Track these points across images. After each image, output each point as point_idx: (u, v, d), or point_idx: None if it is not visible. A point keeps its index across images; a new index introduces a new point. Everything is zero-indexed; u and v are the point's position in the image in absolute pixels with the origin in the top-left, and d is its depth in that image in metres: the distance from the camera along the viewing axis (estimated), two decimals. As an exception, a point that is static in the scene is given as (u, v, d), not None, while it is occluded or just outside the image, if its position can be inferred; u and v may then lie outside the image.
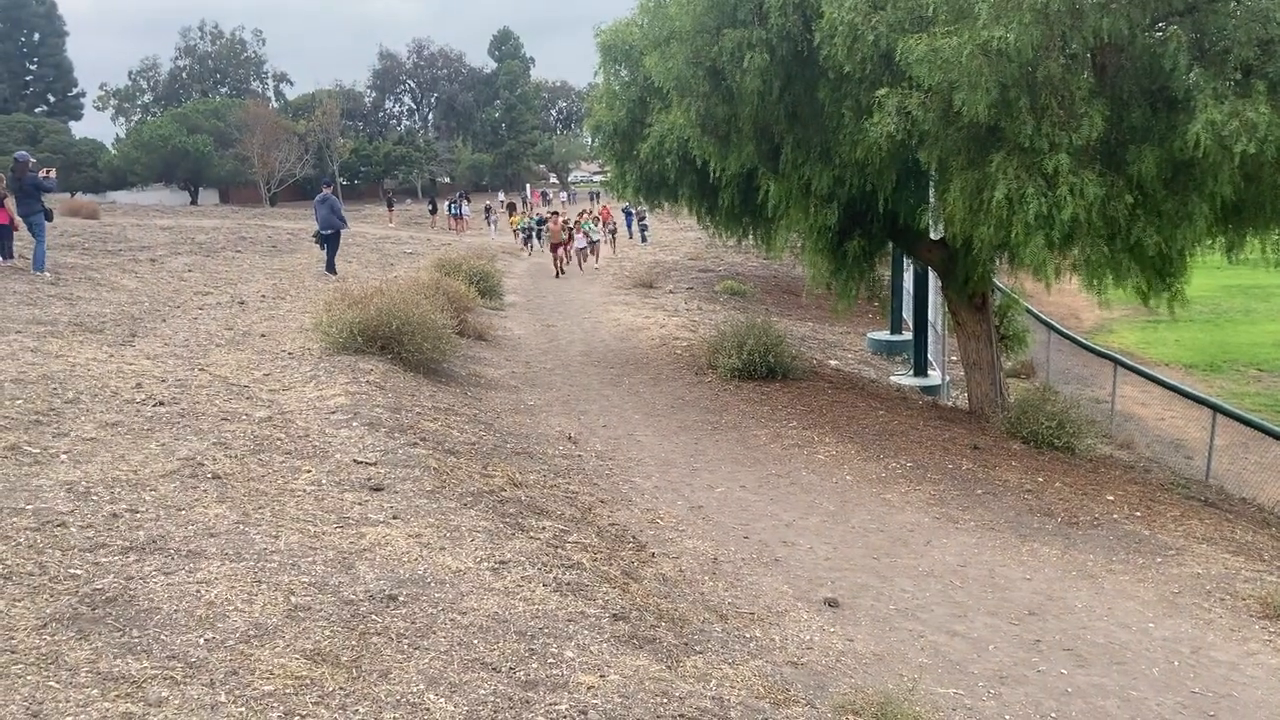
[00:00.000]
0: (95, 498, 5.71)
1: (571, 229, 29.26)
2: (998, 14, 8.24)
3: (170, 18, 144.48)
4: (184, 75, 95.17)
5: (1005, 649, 6.15)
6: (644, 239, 37.79)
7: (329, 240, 20.13)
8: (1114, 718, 5.34)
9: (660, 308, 20.72)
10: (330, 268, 20.10)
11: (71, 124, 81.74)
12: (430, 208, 55.43)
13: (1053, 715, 5.32)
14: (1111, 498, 9.76)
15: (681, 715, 4.16)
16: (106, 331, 11.22)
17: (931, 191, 11.00)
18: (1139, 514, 9.40)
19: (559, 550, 6.26)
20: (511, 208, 53.57)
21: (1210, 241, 9.78)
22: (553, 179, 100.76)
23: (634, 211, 37.29)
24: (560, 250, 27.64)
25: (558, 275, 26.79)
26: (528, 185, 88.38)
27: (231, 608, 4.47)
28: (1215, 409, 13.19)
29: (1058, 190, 8.51)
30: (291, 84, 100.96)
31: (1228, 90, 8.15)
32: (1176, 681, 5.86)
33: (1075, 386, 18.19)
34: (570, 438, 10.46)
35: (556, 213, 33.38)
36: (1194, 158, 8.29)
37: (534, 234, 34.37)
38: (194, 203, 73.21)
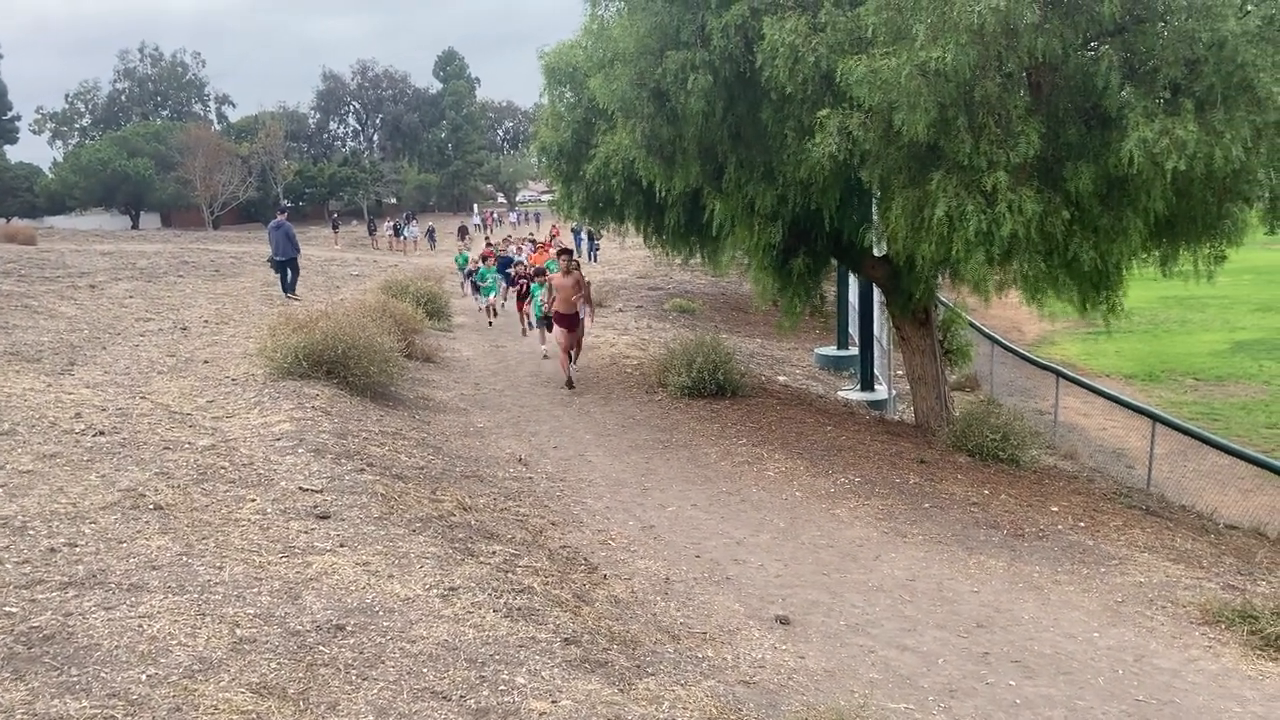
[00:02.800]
0: (32, 532, 5.58)
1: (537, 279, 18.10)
2: (934, 35, 8.38)
3: (108, 40, 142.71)
4: (123, 98, 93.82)
5: (954, 662, 6.21)
6: (594, 257, 37.87)
7: (287, 265, 20.18)
8: (1061, 727, 5.41)
9: (610, 326, 20.73)
10: (289, 290, 20.15)
11: (7, 148, 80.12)
12: (369, 228, 54.84)
13: (1001, 727, 5.38)
14: (1056, 509, 9.92)
15: (634, 739, 4.16)
16: (44, 360, 11.00)
17: (874, 209, 11.14)
18: (1083, 524, 9.55)
19: (509, 575, 6.22)
20: (462, 232, 50.78)
21: (1145, 255, 10.00)
22: (500, 199, 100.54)
23: (590, 232, 37.00)
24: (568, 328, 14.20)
25: (570, 384, 14.23)
26: (474, 205, 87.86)
27: (175, 642, 4.39)
28: (1154, 418, 13.45)
29: (996, 207, 8.66)
30: (234, 106, 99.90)
31: (1158, 108, 8.36)
32: (1121, 690, 5.95)
33: (1019, 398, 18.48)
34: (521, 460, 10.41)
35: (570, 251, 16.37)
36: (1128, 174, 8.49)
37: (475, 279, 23.41)
38: (135, 227, 72.02)
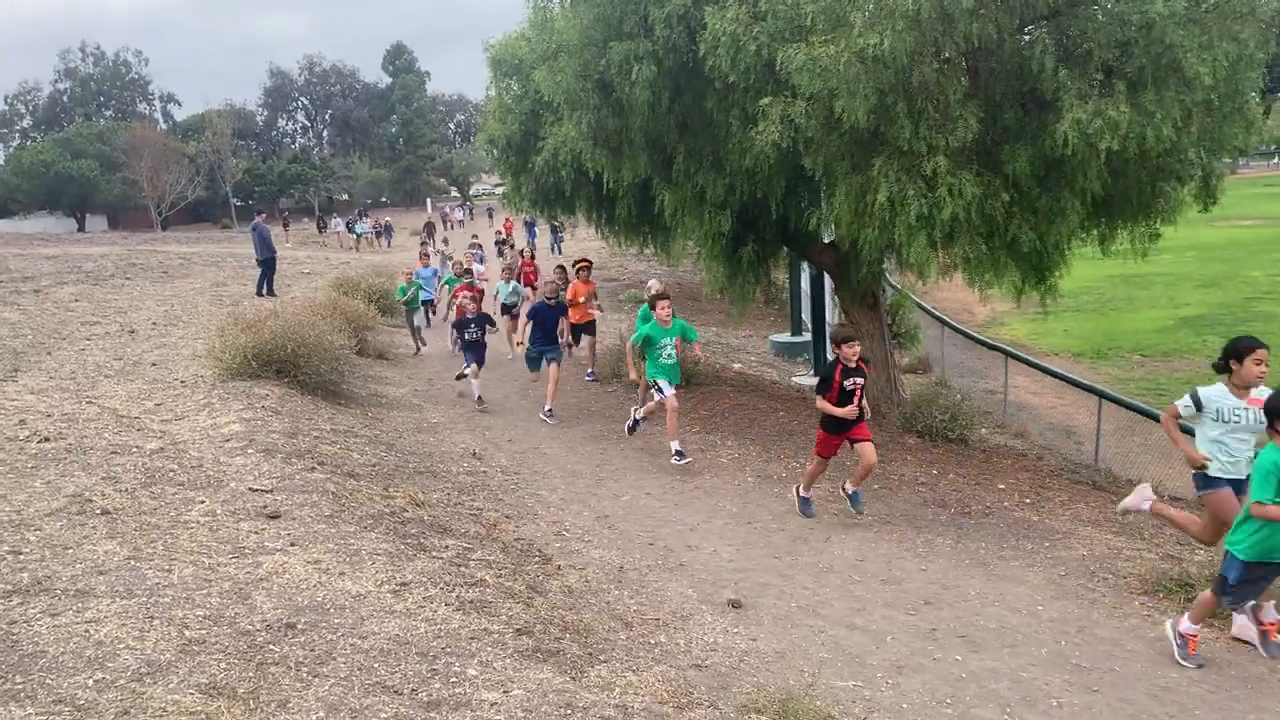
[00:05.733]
0: (-24, 541, 5.53)
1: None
2: (872, 22, 8.48)
3: (48, 40, 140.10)
4: (65, 98, 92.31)
5: (903, 639, 6.33)
6: (558, 249, 37.75)
7: (262, 266, 20.43)
8: (1005, 699, 5.54)
9: (564, 319, 20.71)
10: (259, 290, 20.26)
11: (-55, 152, 78.65)
12: (318, 225, 54.21)
13: (948, 701, 5.49)
14: (1003, 486, 10.10)
15: (585, 725, 4.21)
16: (-13, 367, 10.85)
17: (821, 196, 11.24)
18: (1029, 500, 9.74)
19: (462, 569, 6.26)
20: (430, 230, 47.13)
21: (1084, 235, 10.17)
22: (454, 193, 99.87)
23: (553, 225, 36.73)
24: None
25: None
26: (428, 200, 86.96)
27: (122, 646, 4.38)
28: (1100, 395, 13.67)
29: (937, 191, 8.78)
30: (179, 105, 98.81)
31: (1091, 90, 8.50)
32: (1063, 660, 6.10)
33: (970, 379, 18.72)
34: (475, 454, 10.43)
35: None
36: (1064, 155, 8.63)
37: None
38: (81, 230, 70.94)
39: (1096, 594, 7.23)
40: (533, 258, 21.19)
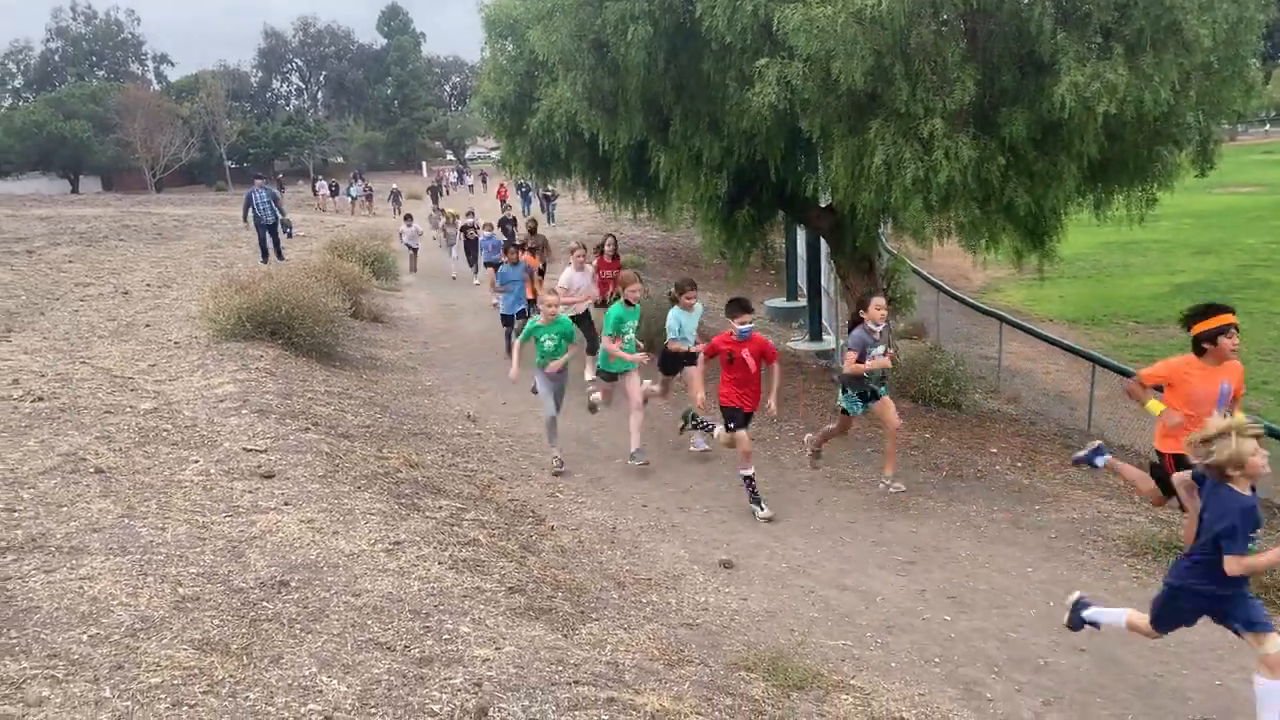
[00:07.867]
0: (-31, 499, 5.54)
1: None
2: (869, -18, 8.39)
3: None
4: (56, 58, 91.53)
5: (892, 599, 6.38)
6: (551, 217, 37.49)
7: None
8: (993, 659, 5.59)
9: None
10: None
11: (-64, 112, 77.96)
12: (313, 188, 53.84)
13: (936, 660, 5.55)
14: (995, 450, 10.13)
15: (576, 681, 4.24)
16: (-20, 328, 10.83)
17: (819, 159, 11.17)
18: (1020, 464, 9.78)
19: (455, 528, 6.29)
20: (434, 195, 46.13)
21: (1080, 200, 10.13)
22: (450, 156, 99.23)
23: (546, 194, 36.25)
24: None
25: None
26: (423, 163, 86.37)
27: (116, 602, 4.41)
28: (1094, 361, 13.70)
29: (933, 154, 8.72)
30: (173, 65, 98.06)
31: (1090, 53, 8.43)
32: (1052, 621, 6.13)
33: (965, 345, 18.70)
34: (469, 416, 10.45)
35: None
36: (1061, 119, 8.57)
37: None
38: (75, 191, 70.54)
39: (1085, 556, 7.29)
40: (615, 258, 14.50)
